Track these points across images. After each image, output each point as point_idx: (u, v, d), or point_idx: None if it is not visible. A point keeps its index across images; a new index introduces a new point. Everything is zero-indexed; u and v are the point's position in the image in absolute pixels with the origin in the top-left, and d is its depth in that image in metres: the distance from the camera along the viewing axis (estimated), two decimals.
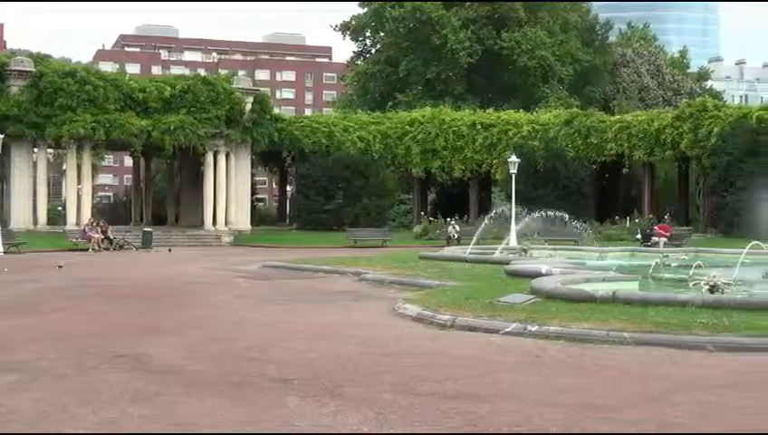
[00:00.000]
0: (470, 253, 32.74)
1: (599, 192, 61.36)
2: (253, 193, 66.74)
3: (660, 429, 9.03)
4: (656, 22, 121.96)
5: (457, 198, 66.75)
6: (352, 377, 11.54)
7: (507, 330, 15.23)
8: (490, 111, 66.27)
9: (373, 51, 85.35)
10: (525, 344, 14.18)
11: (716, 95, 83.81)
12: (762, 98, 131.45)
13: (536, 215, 36.95)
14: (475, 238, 36.81)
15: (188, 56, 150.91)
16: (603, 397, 10.49)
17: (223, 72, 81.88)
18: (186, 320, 17.66)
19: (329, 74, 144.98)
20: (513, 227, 39.77)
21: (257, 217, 65.02)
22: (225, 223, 56.39)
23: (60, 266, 31.92)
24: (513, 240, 38.23)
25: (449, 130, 63.80)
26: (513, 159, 44.46)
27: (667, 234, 43.45)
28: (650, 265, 24.25)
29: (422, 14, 74.86)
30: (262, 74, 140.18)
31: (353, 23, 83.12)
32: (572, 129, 61.07)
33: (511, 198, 42.33)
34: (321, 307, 20.01)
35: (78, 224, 51.31)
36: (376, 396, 10.39)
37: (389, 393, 10.53)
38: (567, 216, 36.88)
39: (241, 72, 71.02)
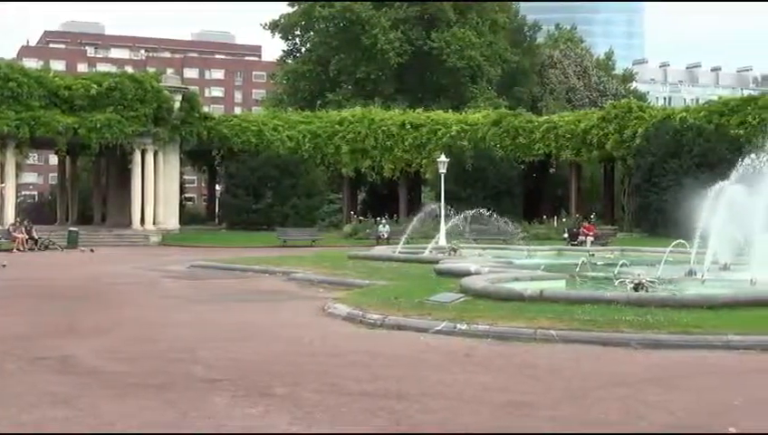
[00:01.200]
0: (400, 252, 32.80)
1: (527, 192, 61.95)
2: (181, 192, 66.06)
3: (584, 425, 9.15)
4: (583, 24, 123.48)
5: (387, 197, 66.91)
6: (281, 377, 11.48)
7: (437, 329, 15.29)
8: (419, 110, 66.51)
9: (303, 50, 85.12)
10: (454, 343, 14.26)
11: (641, 97, 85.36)
12: (684, 100, 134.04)
13: (465, 214, 37.14)
14: (404, 238, 36.89)
15: (115, 53, 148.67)
16: (529, 394, 10.59)
17: (151, 69, 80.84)
18: (110, 321, 17.39)
19: (258, 73, 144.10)
20: (443, 227, 39.94)
21: (186, 217, 64.37)
22: (153, 222, 55.69)
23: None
24: (442, 239, 38.39)
25: (379, 130, 63.87)
26: (443, 158, 44.66)
27: (592, 233, 44.08)
28: (577, 264, 24.57)
29: (352, 14, 74.87)
30: (190, 72, 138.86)
31: (282, 21, 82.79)
32: (501, 129, 61.61)
33: (440, 198, 42.51)
34: (249, 307, 19.89)
35: (2, 224, 50.19)
36: (305, 396, 10.35)
37: (318, 393, 10.50)
38: (496, 215, 37.14)
39: (169, 70, 70.01)
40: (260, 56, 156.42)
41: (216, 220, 67.41)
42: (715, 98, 65.20)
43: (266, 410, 9.68)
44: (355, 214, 62.82)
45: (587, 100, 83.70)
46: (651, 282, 18.29)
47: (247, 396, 10.32)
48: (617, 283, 19.19)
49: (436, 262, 26.55)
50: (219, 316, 18.20)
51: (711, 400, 10.43)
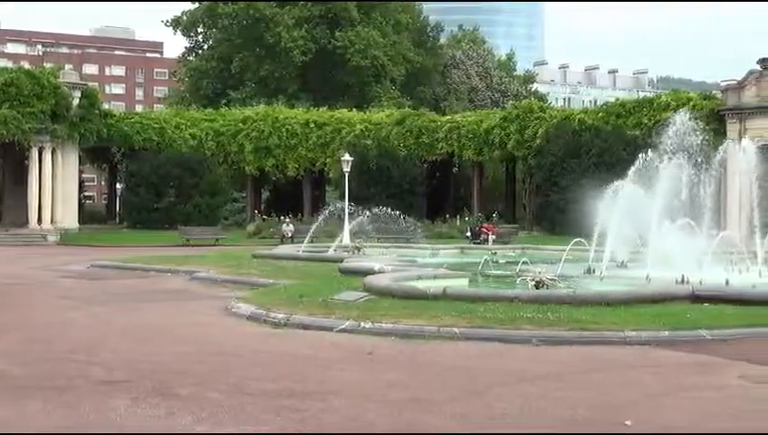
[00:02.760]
0: (304, 251, 32.74)
1: (430, 191, 62.38)
2: (81, 191, 64.59)
3: (486, 421, 9.28)
4: (485, 25, 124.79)
5: (291, 196, 66.56)
6: (184, 377, 11.37)
7: (341, 327, 15.32)
8: (324, 109, 66.36)
9: (206, 47, 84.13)
10: (359, 341, 14.31)
11: (541, 97, 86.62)
12: (583, 101, 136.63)
13: (369, 213, 37.25)
14: (308, 237, 36.82)
15: (11, 48, 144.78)
16: (432, 391, 10.70)
17: (48, 65, 78.85)
18: (4, 322, 16.94)
19: (160, 70, 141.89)
20: (347, 226, 39.99)
21: (85, 216, 62.98)
22: (51, 221, 54.40)
23: None
24: (346, 238, 38.42)
25: (283, 129, 63.54)
26: (347, 157, 44.68)
27: (493, 232, 44.62)
28: (479, 263, 24.87)
29: (255, 12, 74.25)
30: (90, 69, 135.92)
31: (185, 18, 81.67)
32: (404, 128, 61.93)
33: (344, 197, 42.54)
34: (151, 307, 19.61)
35: None
36: (208, 396, 10.28)
37: (222, 393, 10.43)
38: (399, 214, 37.33)
39: (68, 66, 68.63)
40: (162, 53, 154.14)
41: (117, 219, 66.15)
42: (613, 99, 66.54)
43: (169, 411, 9.58)
44: (259, 213, 62.34)
45: (489, 100, 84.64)
46: (552, 280, 18.65)
47: (149, 397, 10.19)
48: (518, 281, 19.53)
49: (341, 261, 26.63)
50: (120, 317, 17.90)
51: (609, 394, 10.69)
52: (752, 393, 10.79)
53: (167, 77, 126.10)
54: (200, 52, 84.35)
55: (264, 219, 58.57)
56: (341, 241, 37.28)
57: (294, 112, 65.60)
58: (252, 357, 13.05)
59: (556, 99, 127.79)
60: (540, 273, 18.78)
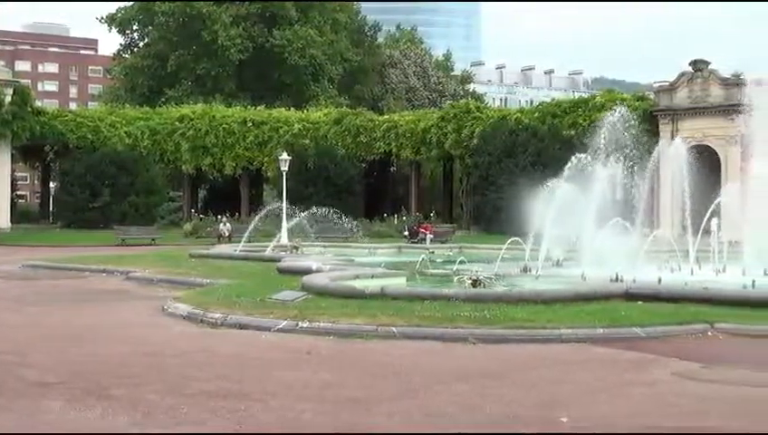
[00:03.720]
0: (241, 250, 32.56)
1: (368, 190, 62.51)
2: (13, 189, 63.52)
3: (423, 419, 9.34)
4: (423, 25, 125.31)
5: (229, 195, 66.16)
6: (120, 378, 11.25)
7: (279, 327, 15.28)
8: (261, 108, 66.12)
9: (141, 44, 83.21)
10: (296, 341, 14.28)
11: (478, 97, 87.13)
12: (520, 101, 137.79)
13: (307, 212, 37.21)
14: (246, 236, 36.63)
15: None
16: (370, 390, 10.73)
17: None
18: None
19: (94, 67, 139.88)
20: (285, 225, 39.88)
21: (18, 216, 61.97)
22: None
23: None
24: (284, 238, 38.32)
25: (220, 127, 63.13)
26: (285, 156, 44.57)
27: (430, 232, 44.83)
28: (417, 262, 24.99)
29: (192, 9, 73.63)
30: (22, 65, 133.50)
31: (120, 15, 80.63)
32: (342, 127, 61.97)
33: (282, 196, 42.42)
34: (86, 307, 19.35)
35: None
36: (144, 397, 10.18)
37: (158, 394, 10.35)
38: (338, 213, 37.33)
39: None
40: (96, 50, 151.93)
41: (51, 219, 65.16)
42: (549, 100, 67.29)
43: (104, 412, 9.47)
44: (196, 212, 61.88)
45: (426, 100, 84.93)
46: (489, 278, 18.82)
47: (84, 399, 10.07)
48: (456, 280, 19.65)
49: (278, 260, 26.56)
50: (54, 318, 17.64)
51: (545, 391, 10.81)
52: (683, 389, 11.00)
53: (101, 75, 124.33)
54: (136, 49, 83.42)
55: (200, 219, 58.11)
56: (279, 240, 37.19)
57: (232, 111, 65.23)
58: (189, 357, 12.96)
59: (493, 99, 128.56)
60: (477, 272, 18.94)
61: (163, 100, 72.76)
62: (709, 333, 14.76)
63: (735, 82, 45.76)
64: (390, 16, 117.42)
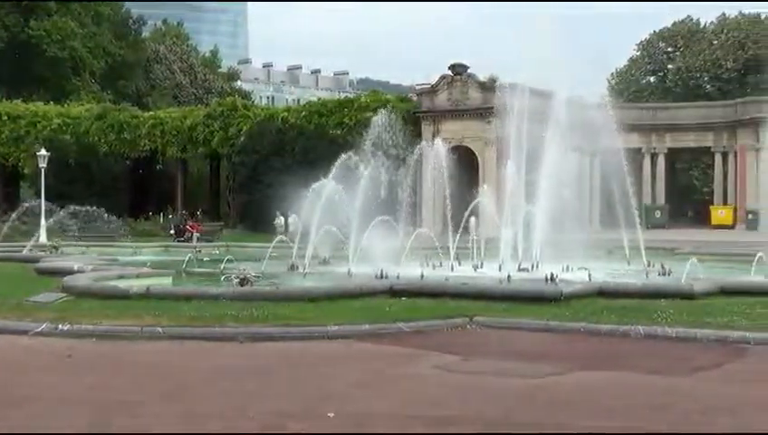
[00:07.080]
0: None
1: (133, 188, 61.03)
2: None
3: (186, 420, 9.28)
4: (190, 22, 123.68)
5: None
6: None
7: (37, 330, 14.68)
8: (18, 101, 63.26)
9: None
10: (56, 344, 13.77)
11: (246, 95, 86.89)
12: (287, 100, 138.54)
13: (69, 211, 36.01)
14: (0, 235, 35.01)
15: None
16: (134, 392, 10.54)
17: None
18: None
19: None
20: (43, 224, 38.40)
21: None
22: None
23: None
24: (43, 237, 36.88)
25: None
26: (43, 152, 42.92)
27: (196, 230, 44.33)
28: (184, 260, 24.71)
29: None
30: None
31: None
32: (105, 123, 60.22)
33: (41, 194, 40.77)
34: None
35: None
36: None
37: None
38: (101, 212, 36.30)
39: None
40: None
41: None
42: (315, 99, 68.07)
43: None
44: None
45: (193, 97, 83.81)
46: (256, 277, 18.89)
47: None
48: (223, 278, 19.60)
49: (37, 260, 25.52)
50: None
51: (313, 387, 10.96)
52: (445, 380, 11.45)
53: None
54: None
55: None
56: (38, 240, 35.80)
57: None
58: None
59: (260, 97, 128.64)
60: (244, 270, 18.95)
61: None
62: (468, 327, 15.35)
63: (491, 87, 48.02)
64: (156, 11, 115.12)
